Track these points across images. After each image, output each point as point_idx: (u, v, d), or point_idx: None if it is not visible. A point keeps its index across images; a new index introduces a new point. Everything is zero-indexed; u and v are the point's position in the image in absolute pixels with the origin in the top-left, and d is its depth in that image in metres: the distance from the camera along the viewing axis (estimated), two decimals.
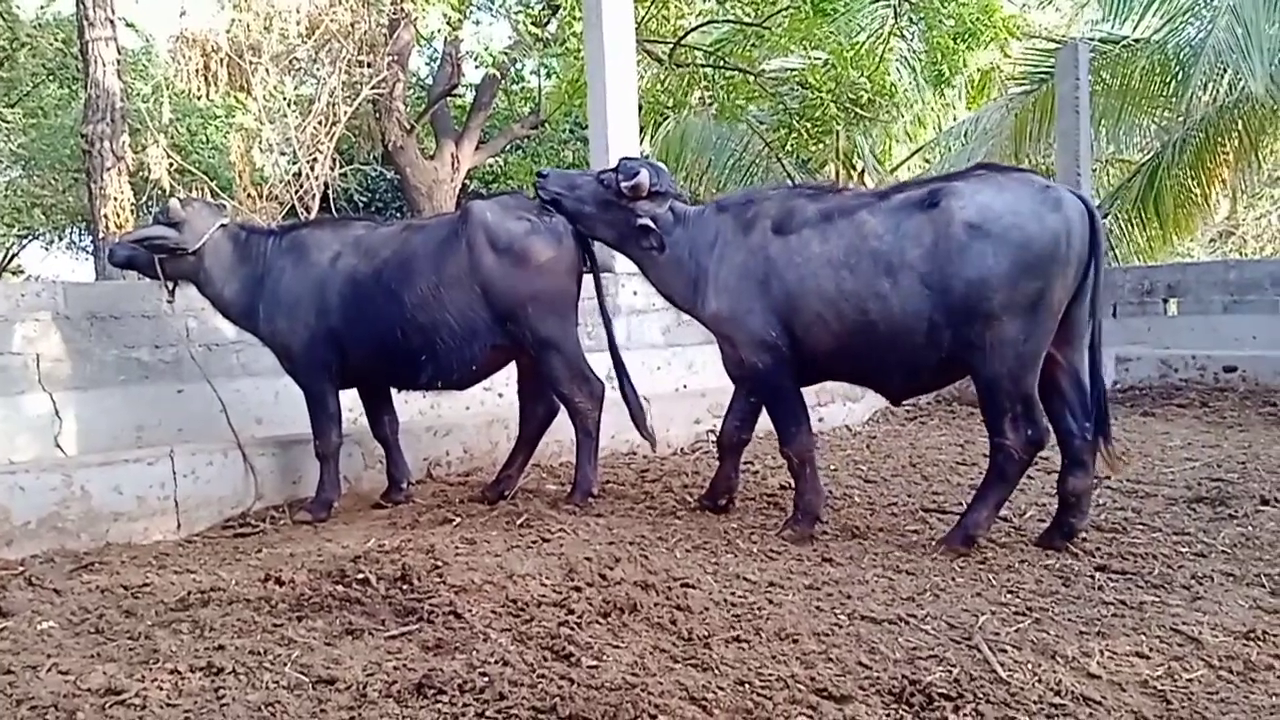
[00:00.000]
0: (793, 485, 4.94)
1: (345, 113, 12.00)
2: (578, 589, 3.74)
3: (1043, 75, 15.80)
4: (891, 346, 4.44)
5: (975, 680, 2.93)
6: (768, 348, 4.68)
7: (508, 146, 19.25)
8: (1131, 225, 16.99)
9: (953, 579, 3.99)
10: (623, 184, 4.88)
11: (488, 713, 2.74)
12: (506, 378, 7.14)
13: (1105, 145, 17.45)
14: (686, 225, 4.95)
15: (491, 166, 19.66)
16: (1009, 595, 3.78)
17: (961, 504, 4.86)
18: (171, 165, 11.47)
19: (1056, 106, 13.14)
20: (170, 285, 5.46)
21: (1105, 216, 16.95)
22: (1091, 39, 15.36)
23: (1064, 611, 3.58)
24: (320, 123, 11.77)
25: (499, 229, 5.21)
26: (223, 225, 5.43)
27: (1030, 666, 3.04)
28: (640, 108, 10.85)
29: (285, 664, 3.10)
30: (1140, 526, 4.72)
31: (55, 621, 3.66)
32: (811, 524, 4.77)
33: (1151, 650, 3.19)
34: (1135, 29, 15.85)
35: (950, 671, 3.00)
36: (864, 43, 15.69)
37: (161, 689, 2.95)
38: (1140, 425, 7.76)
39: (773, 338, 4.66)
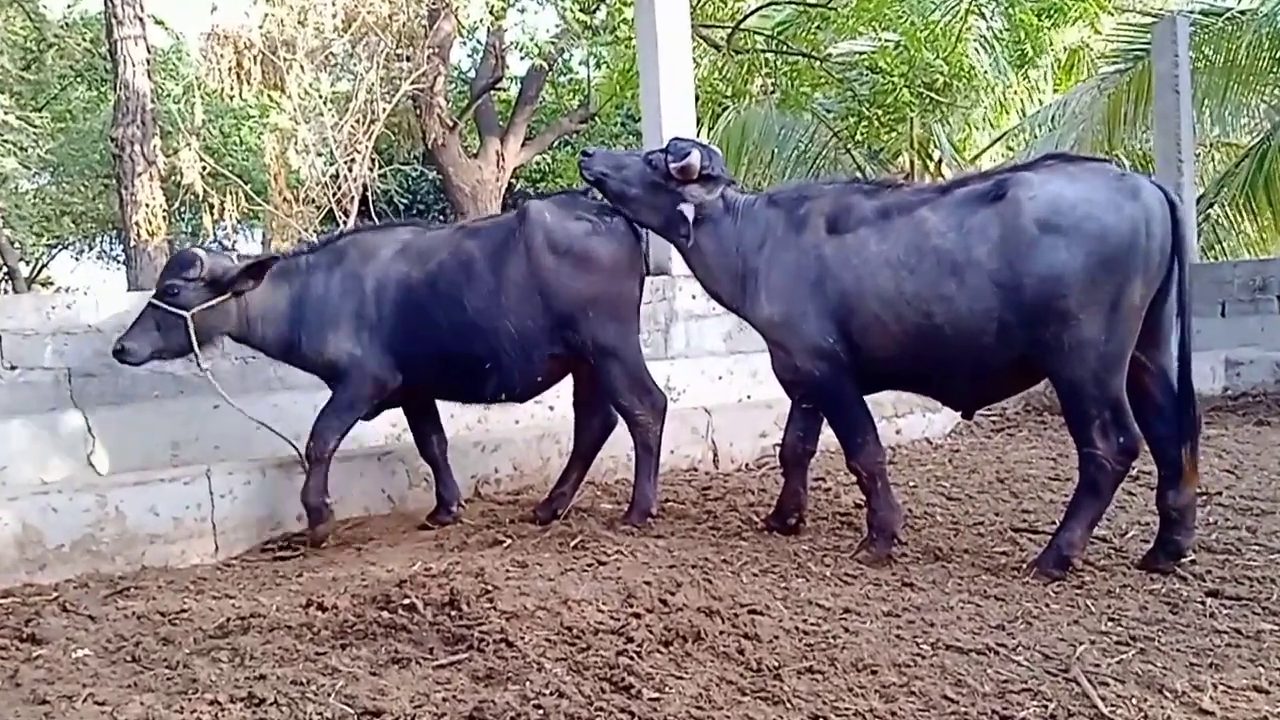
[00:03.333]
0: (865, 503, 4.91)
1: (384, 110, 12.18)
2: (637, 615, 3.74)
3: (1138, 52, 15.54)
4: (958, 351, 4.41)
5: (1073, 716, 2.89)
6: (824, 354, 4.66)
7: (556, 142, 19.42)
8: (1240, 215, 16.61)
9: (1047, 605, 3.93)
10: (672, 165, 4.87)
11: None
12: (558, 390, 7.20)
13: (1209, 127, 17.09)
14: (737, 216, 4.94)
15: (539, 164, 19.86)
16: (1110, 623, 3.70)
17: (1055, 523, 4.77)
18: (204, 169, 11.73)
19: (1154, 86, 12.92)
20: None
21: (1210, 205, 16.59)
22: (1191, 12, 15.08)
23: (1172, 641, 3.50)
24: (358, 121, 11.95)
25: (558, 230, 5.27)
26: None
27: (1135, 701, 2.98)
28: (697, 98, 10.86)
29: (329, 694, 3.14)
30: (1256, 547, 4.60)
31: (91, 649, 3.75)
32: (888, 544, 4.72)
33: (1271, 684, 3.10)
34: (1241, 0, 15.52)
35: (1045, 706, 2.95)
36: (939, 22, 15.55)
37: None
38: (1255, 435, 7.57)
39: (829, 344, 4.64)
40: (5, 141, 15.13)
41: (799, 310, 4.69)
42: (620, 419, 5.53)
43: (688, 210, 4.86)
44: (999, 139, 20.13)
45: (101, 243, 27.17)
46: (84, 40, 18.48)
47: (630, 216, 5.26)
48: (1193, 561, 4.38)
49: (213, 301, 5.13)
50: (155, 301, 5.09)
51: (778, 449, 5.59)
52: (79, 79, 21.00)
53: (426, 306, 5.33)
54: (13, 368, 5.39)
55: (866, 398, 4.87)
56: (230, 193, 12.41)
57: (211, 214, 12.15)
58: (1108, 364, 4.18)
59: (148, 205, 10.72)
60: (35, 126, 15.79)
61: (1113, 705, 2.96)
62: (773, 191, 5.12)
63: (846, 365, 4.67)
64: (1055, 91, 19.60)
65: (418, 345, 5.36)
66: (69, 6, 18.77)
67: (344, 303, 5.37)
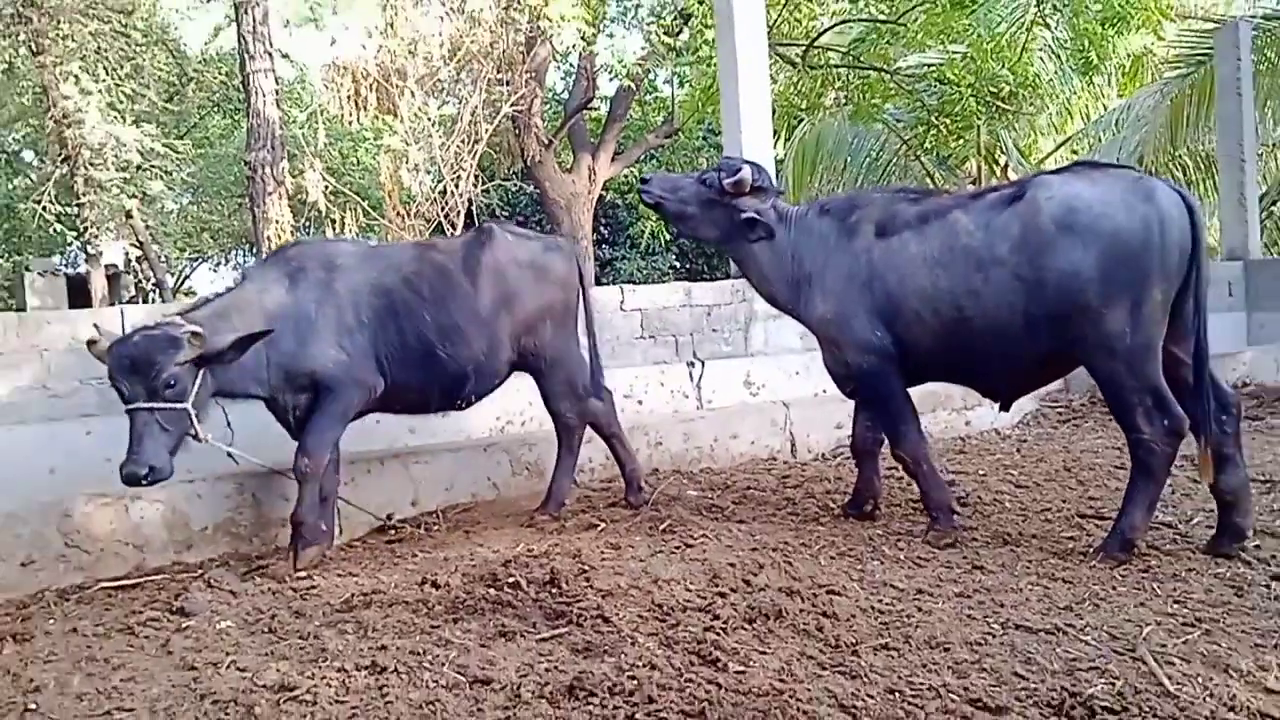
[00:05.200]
0: (921, 493, 4.90)
1: (486, 130, 12.36)
2: (722, 595, 3.75)
3: (1201, 57, 14.96)
4: (989, 343, 4.44)
5: (1141, 694, 2.81)
6: (874, 349, 4.72)
7: (642, 156, 19.44)
8: None
9: (1113, 588, 3.83)
10: (725, 181, 4.99)
11: (637, 715, 2.78)
12: (647, 386, 7.23)
13: (1271, 128, 16.38)
14: (789, 225, 5.02)
15: (627, 177, 19.89)
16: (1175, 605, 3.59)
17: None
18: (327, 188, 12.04)
19: (1216, 90, 12.46)
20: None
21: (1274, 204, 15.93)
22: (1254, 17, 14.46)
23: (1237, 623, 3.38)
24: (463, 141, 12.15)
25: (519, 246, 5.39)
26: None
27: (1201, 680, 2.89)
28: (774, 111, 10.80)
29: (444, 664, 3.22)
30: None
31: (232, 621, 3.89)
32: (950, 520, 4.73)
33: None
34: None
35: (1113, 684, 2.88)
36: (1005, 33, 15.16)
37: (330, 686, 3.11)
38: None
39: (878, 339, 4.70)
40: (152, 166, 15.69)
41: (850, 309, 4.75)
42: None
43: (763, 210, 4.97)
44: (1064, 143, 19.55)
45: (236, 255, 28.10)
46: (220, 74, 19.13)
47: (688, 234, 5.39)
48: (1257, 546, 4.22)
49: (198, 382, 4.35)
50: (153, 405, 4.18)
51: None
52: (215, 109, 21.76)
53: (410, 312, 5.05)
54: None
55: (934, 387, 4.86)
56: (350, 209, 12.72)
57: (333, 228, 12.46)
58: (1136, 355, 4.12)
59: (277, 221, 11.03)
60: (178, 152, 16.36)
61: (1179, 683, 2.87)
62: (824, 201, 5.15)
63: (895, 359, 4.71)
64: (1119, 96, 18.96)
65: (400, 351, 5.03)
66: (205, 44, 19.38)
67: (321, 317, 4.85)
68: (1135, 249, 4.07)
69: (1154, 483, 4.21)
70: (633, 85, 15.53)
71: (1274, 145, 17.48)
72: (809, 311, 4.95)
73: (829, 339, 4.92)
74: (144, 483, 4.18)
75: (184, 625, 3.86)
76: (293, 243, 6.27)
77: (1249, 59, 11.90)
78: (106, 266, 18.49)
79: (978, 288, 4.40)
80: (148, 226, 18.53)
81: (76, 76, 13.78)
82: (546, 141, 15.10)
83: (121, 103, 15.10)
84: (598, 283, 17.08)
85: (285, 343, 4.70)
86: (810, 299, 4.92)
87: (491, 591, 3.88)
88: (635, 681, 2.97)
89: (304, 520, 4.76)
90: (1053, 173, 4.56)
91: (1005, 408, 5.00)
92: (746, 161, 5.13)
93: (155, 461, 4.16)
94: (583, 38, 12.42)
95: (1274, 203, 16.06)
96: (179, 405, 4.25)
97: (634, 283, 17.81)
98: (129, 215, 16.40)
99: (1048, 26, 15.63)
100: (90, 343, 4.29)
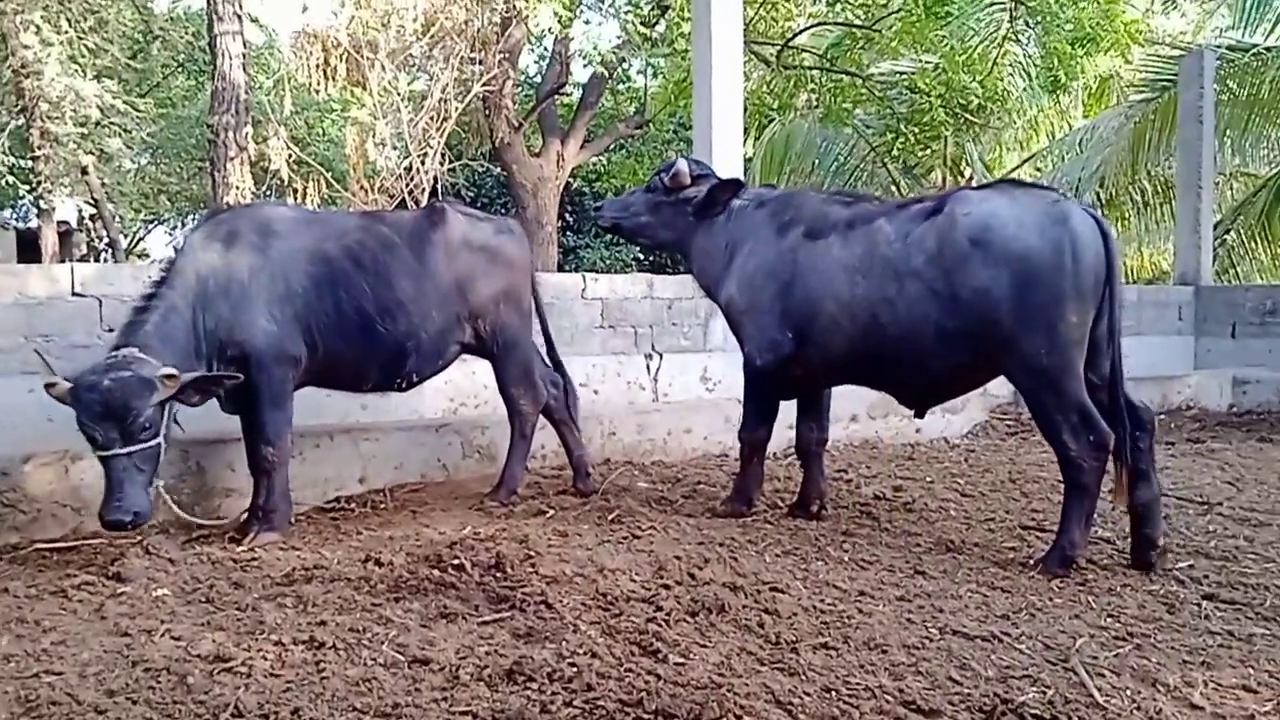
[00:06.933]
0: (737, 472, 5.31)
1: (456, 109, 12.28)
2: (667, 587, 3.76)
3: (1165, 83, 15.24)
4: (902, 351, 4.51)
5: (1070, 703, 2.86)
6: (776, 350, 4.85)
7: (612, 145, 19.41)
8: (1255, 241, 16.27)
9: (1050, 599, 3.89)
10: (665, 178, 5.20)
11: (575, 702, 2.79)
12: (604, 376, 7.23)
13: (1230, 157, 16.75)
14: (730, 217, 5.15)
15: (595, 165, 19.87)
16: (1109, 619, 3.66)
17: None
18: (290, 157, 11.89)
19: (1179, 116, 12.70)
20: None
21: (1227, 231, 16.28)
22: (1218, 46, 14.76)
23: (1167, 639, 3.46)
24: (432, 118, 12.06)
25: (472, 228, 5.34)
26: None
27: (1129, 693, 2.95)
28: (745, 109, 10.83)
29: (383, 642, 3.20)
30: (1253, 556, 4.53)
31: (169, 589, 3.83)
32: (744, 505, 5.15)
33: (1260, 685, 3.06)
34: (1267, 37, 15.18)
35: (1044, 693, 2.93)
36: (977, 47, 15.38)
37: (266, 659, 3.07)
38: (1257, 451, 7.43)
39: (783, 342, 4.82)
40: (112, 123, 15.40)
41: (765, 304, 4.86)
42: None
43: (703, 196, 5.16)
44: (1028, 159, 19.83)
45: (194, 220, 27.62)
46: (186, 33, 18.74)
47: (652, 243, 5.55)
48: (1190, 566, 4.32)
49: (166, 414, 4.23)
50: (130, 450, 4.04)
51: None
52: (180, 69, 21.35)
53: (349, 282, 4.90)
54: (110, 330, 5.47)
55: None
56: (313, 179, 12.59)
57: (295, 198, 12.30)
58: (1054, 375, 4.17)
59: (238, 187, 10.88)
60: (139, 111, 16.05)
61: (1108, 695, 2.93)
62: (763, 195, 5.25)
63: (791, 362, 4.84)
64: (1085, 116, 19.27)
65: (336, 321, 4.87)
66: (173, 1, 19.05)
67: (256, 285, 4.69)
68: (1046, 271, 4.11)
69: (1088, 497, 4.27)
70: (606, 73, 15.48)
71: (1231, 174, 17.86)
72: (721, 292, 5.08)
73: (735, 325, 5.07)
74: (128, 529, 4.08)
75: (119, 591, 3.80)
76: (228, 206, 6.12)
77: (1211, 88, 12.15)
78: (59, 223, 18.14)
79: (893, 297, 4.45)
80: (103, 184, 18.15)
81: (37, 26, 13.46)
82: (516, 124, 15.01)
83: (83, 56, 14.76)
84: (560, 270, 17.05)
85: (219, 309, 4.54)
86: (726, 281, 5.03)
87: (435, 572, 3.86)
88: (575, 669, 2.97)
89: (275, 509, 4.71)
90: (975, 189, 4.64)
91: (920, 415, 5.05)
92: (683, 157, 5.32)
93: (138, 506, 4.05)
94: (559, 21, 12.38)
95: (1227, 231, 16.41)
96: (154, 443, 4.14)
97: (597, 272, 17.81)
98: (85, 172, 16.08)
99: (1019, 43, 15.87)
100: (49, 385, 4.06)
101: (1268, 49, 14.77)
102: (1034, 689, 2.96)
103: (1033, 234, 4.16)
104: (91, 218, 18.21)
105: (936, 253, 4.34)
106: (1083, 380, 4.22)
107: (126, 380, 4.00)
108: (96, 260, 22.36)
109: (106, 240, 21.21)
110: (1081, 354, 4.21)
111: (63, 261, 15.65)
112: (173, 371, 4.12)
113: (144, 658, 3.09)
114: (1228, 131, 15.26)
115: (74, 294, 5.43)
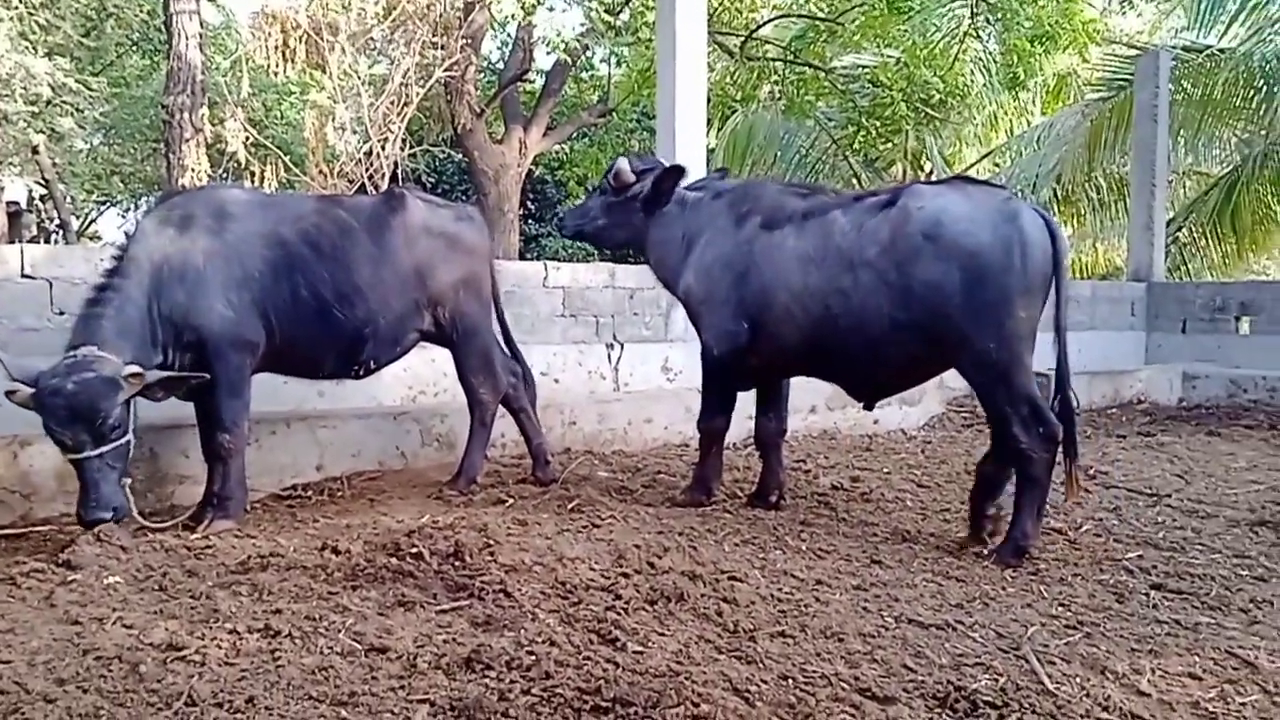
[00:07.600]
0: (696, 461, 5.40)
1: (417, 94, 12.15)
2: (626, 575, 3.77)
3: (1122, 82, 15.48)
4: (853, 343, 4.56)
5: (1021, 690, 2.91)
6: (731, 341, 4.88)
7: (575, 134, 19.33)
8: (1207, 239, 16.62)
9: (1003, 588, 3.96)
10: (610, 180, 5.30)
11: (533, 690, 2.79)
12: (564, 364, 7.22)
13: (1183, 156, 17.06)
14: (685, 208, 5.19)
15: (557, 153, 19.76)
16: (1060, 608, 3.73)
17: None
18: (247, 139, 11.71)
19: (1134, 115, 12.91)
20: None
21: (1179, 229, 16.58)
22: (1174, 47, 15.02)
23: (1116, 628, 3.53)
24: (392, 103, 11.92)
25: (431, 215, 5.30)
26: None
27: (1079, 680, 3.01)
28: (709, 100, 10.84)
29: (339, 631, 3.18)
30: (1199, 547, 4.63)
31: (121, 577, 3.77)
32: (703, 494, 5.20)
33: (1205, 672, 3.13)
34: (1221, 39, 15.46)
35: (996, 680, 2.98)
36: (938, 42, 15.51)
37: (220, 647, 3.04)
38: (1205, 444, 7.59)
39: (737, 329, 4.85)
40: (63, 103, 15.07)
41: (722, 295, 4.89)
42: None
43: (651, 188, 5.21)
44: (987, 154, 20.07)
45: (147, 202, 27.12)
46: (142, 11, 18.35)
47: (614, 247, 5.70)
48: (1140, 556, 4.41)
49: (133, 409, 4.23)
50: (101, 450, 4.05)
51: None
52: (135, 48, 20.88)
53: (305, 267, 4.82)
54: (60, 313, 5.38)
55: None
56: (270, 163, 12.38)
57: (252, 181, 12.13)
58: (1005, 369, 4.25)
59: (193, 170, 10.70)
60: (92, 90, 15.71)
61: (1058, 682, 2.99)
62: (720, 185, 5.28)
63: (746, 351, 4.88)
64: (1043, 113, 19.53)
65: (292, 307, 4.79)
66: None
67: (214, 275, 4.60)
68: (995, 268, 4.19)
69: (1039, 488, 4.33)
70: (570, 61, 15.39)
71: (1184, 173, 18.19)
72: (679, 282, 5.11)
73: (693, 314, 5.11)
74: (108, 523, 4.08)
75: (69, 578, 3.73)
76: (182, 189, 6.00)
77: (1167, 87, 12.37)
78: (8, 203, 17.74)
79: (846, 288, 4.49)
80: (55, 164, 17.79)
81: None
82: (478, 110, 14.89)
83: (34, 33, 14.42)
84: (522, 258, 16.96)
85: (175, 295, 4.46)
86: (685, 271, 5.06)
87: (393, 561, 3.84)
88: (534, 657, 2.97)
89: (232, 495, 4.67)
90: (929, 183, 4.69)
91: (869, 407, 5.10)
92: (623, 155, 5.43)
93: (115, 502, 4.10)
94: (522, 7, 12.30)
95: (1180, 228, 16.72)
96: (124, 440, 4.14)
97: (559, 260, 17.74)
98: (35, 151, 15.75)
99: (980, 39, 16.02)
100: (9, 393, 3.97)
101: (1221, 50, 15.05)
102: (986, 676, 3.01)
103: (984, 230, 4.23)
104: (42, 198, 17.84)
105: (889, 244, 4.39)
106: (1032, 374, 4.30)
107: (90, 382, 3.97)
108: (47, 242, 21.89)
109: (57, 222, 20.79)
110: (1031, 348, 4.29)
111: (12, 243, 15.30)
112: (138, 370, 4.09)
113: (95, 646, 3.04)
114: (1181, 131, 15.54)
115: (24, 276, 5.33)
